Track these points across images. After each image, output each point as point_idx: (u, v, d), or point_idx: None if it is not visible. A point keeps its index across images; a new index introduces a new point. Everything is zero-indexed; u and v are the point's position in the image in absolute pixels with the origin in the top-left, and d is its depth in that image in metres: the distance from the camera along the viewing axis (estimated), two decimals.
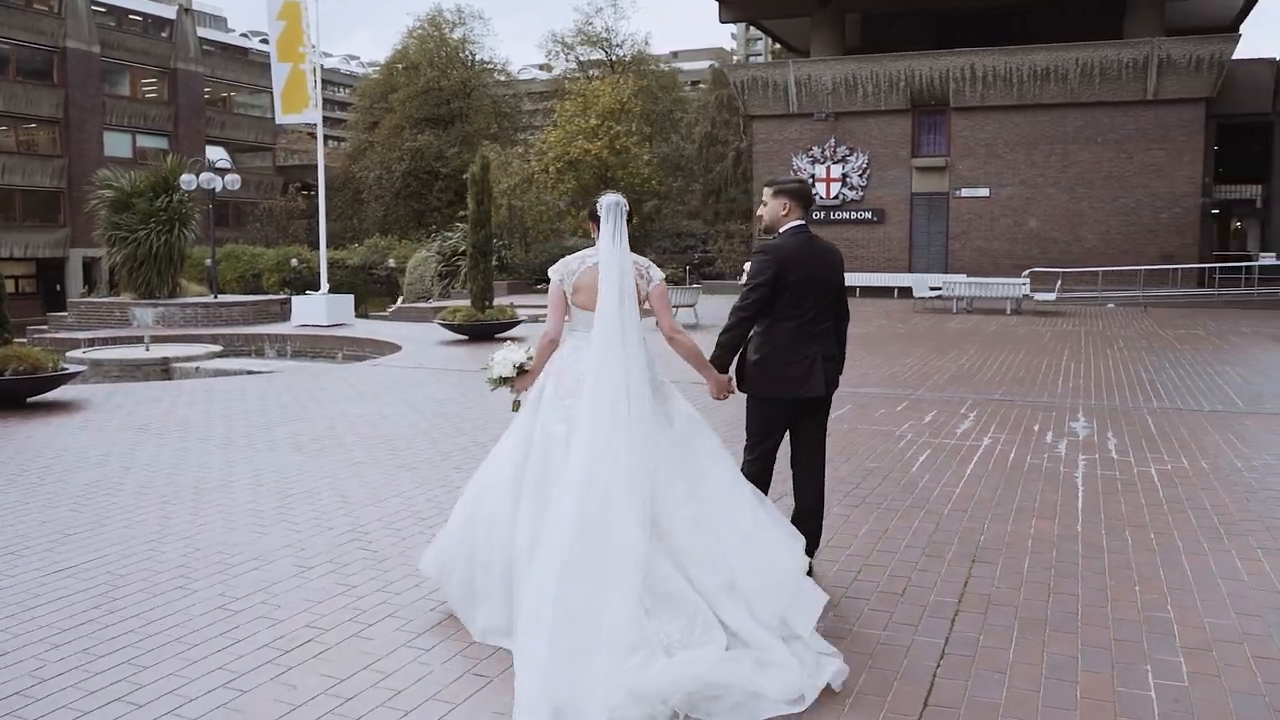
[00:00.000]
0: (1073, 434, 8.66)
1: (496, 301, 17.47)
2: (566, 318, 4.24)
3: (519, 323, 17.26)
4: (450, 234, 34.10)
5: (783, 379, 4.48)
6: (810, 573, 4.35)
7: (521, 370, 4.28)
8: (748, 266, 4.66)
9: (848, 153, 32.18)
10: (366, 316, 25.81)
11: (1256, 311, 23.51)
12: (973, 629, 4.25)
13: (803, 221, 4.56)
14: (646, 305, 4.20)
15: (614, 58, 49.77)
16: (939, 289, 25.46)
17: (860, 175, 32.11)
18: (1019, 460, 7.56)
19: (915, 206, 32.00)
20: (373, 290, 37.35)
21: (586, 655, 3.46)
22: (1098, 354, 14.73)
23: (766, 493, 4.57)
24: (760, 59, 71.08)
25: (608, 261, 4.04)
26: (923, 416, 9.49)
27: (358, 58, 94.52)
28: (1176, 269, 28.37)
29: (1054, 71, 29.50)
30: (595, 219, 4.18)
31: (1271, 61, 29.76)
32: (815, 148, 32.42)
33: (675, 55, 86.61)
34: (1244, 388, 11.44)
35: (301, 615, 4.31)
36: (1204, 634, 4.20)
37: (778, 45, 48.13)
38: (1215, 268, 28.46)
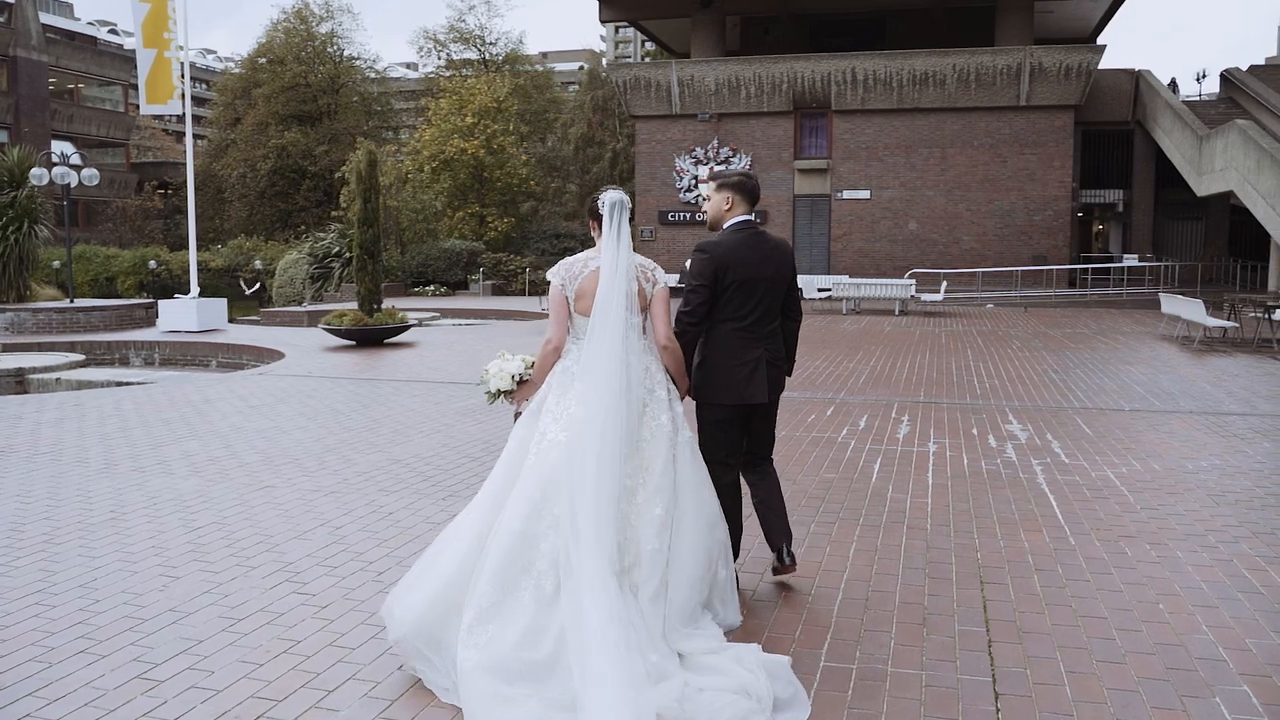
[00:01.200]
0: (1013, 437, 8.45)
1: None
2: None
3: (409, 327, 16.38)
4: (323, 235, 32.64)
5: (725, 385, 4.24)
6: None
7: (520, 381, 4.03)
8: (688, 265, 4.35)
9: (731, 154, 32.12)
10: (235, 321, 24.33)
11: (1128, 310, 24.30)
12: (1015, 662, 3.82)
13: (748, 217, 4.32)
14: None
15: (488, 56, 48.71)
16: (828, 290, 25.59)
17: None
18: (974, 466, 7.28)
19: (798, 208, 32.15)
20: (239, 293, 35.49)
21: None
22: (1000, 354, 14.79)
23: (739, 507, 4.49)
24: (630, 61, 71.02)
25: (610, 264, 3.78)
26: (856, 421, 9.17)
27: (215, 52, 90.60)
28: (1050, 270, 29.23)
29: (932, 77, 30.04)
30: (596, 217, 3.92)
31: (1132, 72, 31.00)
32: (698, 148, 32.26)
33: (545, 56, 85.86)
34: (1153, 386, 11.54)
35: (243, 684, 3.56)
36: (1253, 657, 3.89)
37: (651, 47, 48.07)
38: (1086, 269, 29.41)
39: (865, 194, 31.39)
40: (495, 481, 3.77)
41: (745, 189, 4.35)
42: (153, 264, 41.78)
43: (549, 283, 3.96)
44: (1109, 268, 29.33)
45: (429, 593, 3.58)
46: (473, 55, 48.46)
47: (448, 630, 3.51)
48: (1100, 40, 36.53)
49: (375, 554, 5.04)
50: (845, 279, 24.90)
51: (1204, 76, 39.54)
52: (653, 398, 3.87)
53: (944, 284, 24.46)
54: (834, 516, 5.85)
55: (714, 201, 4.36)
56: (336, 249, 32.12)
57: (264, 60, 49.81)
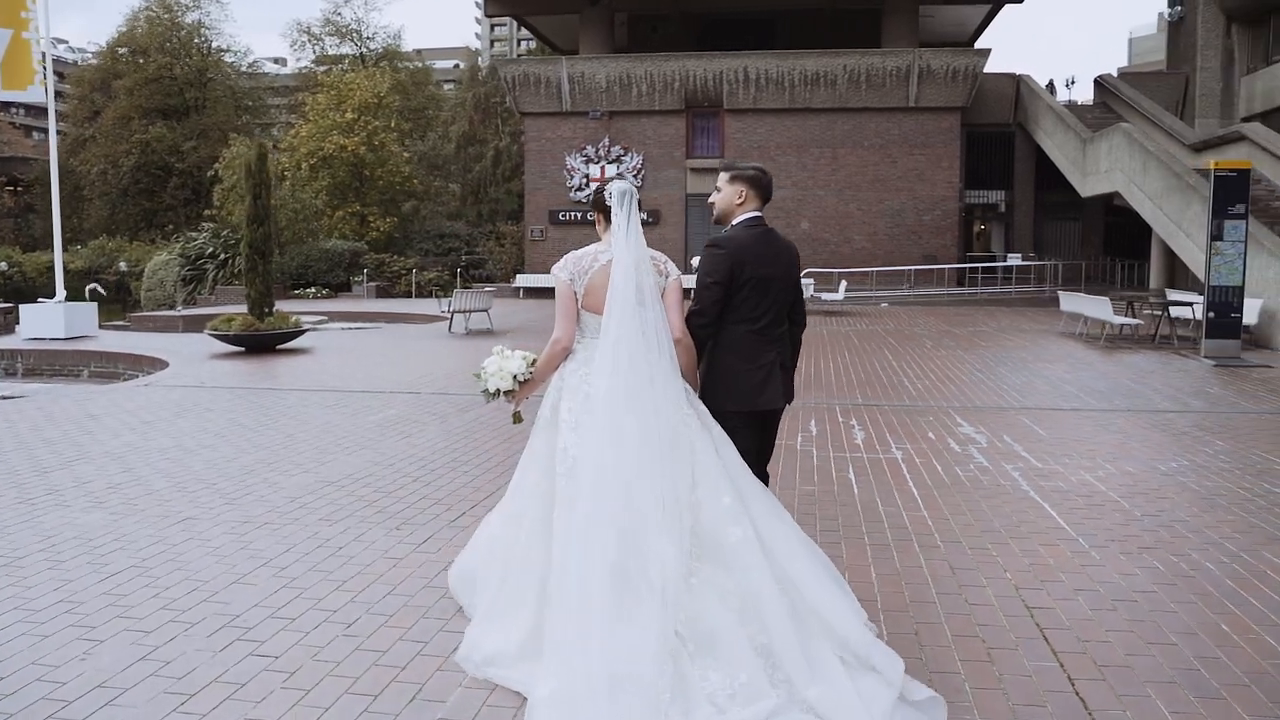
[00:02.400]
0: (971, 440, 8.16)
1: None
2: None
3: (303, 331, 15.33)
4: (195, 235, 30.84)
5: (736, 390, 3.96)
6: None
7: (521, 381, 3.80)
8: (695, 262, 4.00)
9: (622, 153, 31.62)
10: (105, 327, 22.62)
11: (1019, 308, 24.76)
12: (1108, 703, 3.40)
13: (759, 214, 4.10)
14: None
15: (364, 51, 47.06)
16: None
17: (635, 176, 31.60)
18: (951, 474, 6.91)
19: (690, 208, 31.86)
20: (101, 296, 33.21)
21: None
22: (917, 354, 14.66)
23: None
24: (520, 57, 69.74)
25: (622, 257, 3.58)
26: (807, 427, 8.77)
27: (66, 42, 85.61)
28: (940, 269, 29.67)
29: (823, 77, 30.14)
30: (603, 209, 3.74)
31: (1013, 76, 31.72)
32: (589, 146, 31.66)
33: (419, 53, 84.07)
34: (1081, 384, 11.51)
35: None
36: None
37: (530, 45, 47.24)
38: (975, 268, 29.96)
39: None
40: (540, 499, 3.60)
41: (761, 184, 4.12)
42: (3, 265, 38.93)
43: (558, 278, 3.70)
44: (996, 267, 29.94)
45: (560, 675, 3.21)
46: (349, 50, 46.71)
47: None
48: (983, 46, 37.34)
49: (336, 599, 4.31)
50: None
51: (1073, 83, 40.90)
52: (686, 393, 3.72)
53: (844, 283, 24.47)
54: (835, 535, 5.36)
55: (725, 194, 4.10)
56: (210, 249, 30.36)
57: (125, 51, 47.01)
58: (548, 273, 25.41)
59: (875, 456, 7.46)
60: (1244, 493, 6.42)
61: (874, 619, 4.13)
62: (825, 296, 23.92)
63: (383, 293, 31.45)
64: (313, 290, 30.30)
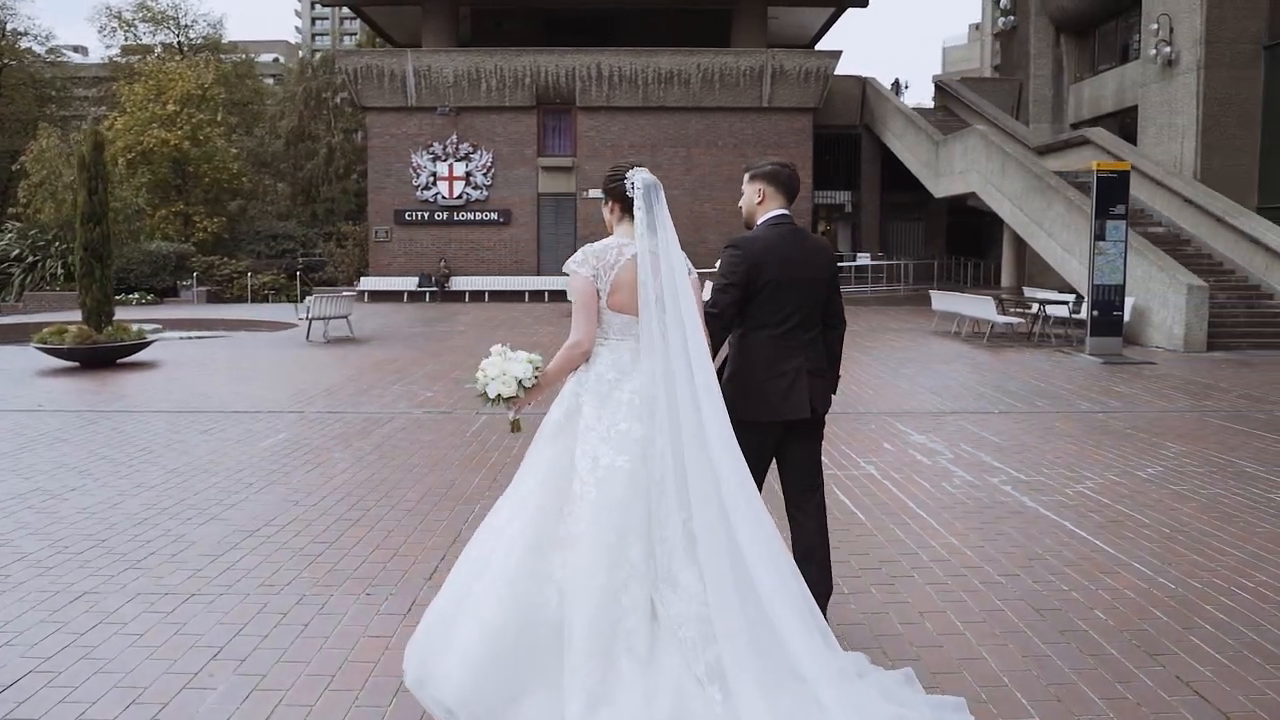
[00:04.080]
0: (933, 451, 7.71)
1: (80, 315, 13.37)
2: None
3: (149, 343, 13.68)
4: None
5: (760, 399, 3.74)
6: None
7: (526, 387, 3.37)
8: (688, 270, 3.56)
9: (471, 150, 30.38)
10: None
11: (878, 307, 24.98)
12: None
13: (784, 211, 3.91)
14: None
15: (182, 39, 43.88)
16: None
17: (485, 174, 30.46)
18: (944, 492, 6.40)
19: (542, 207, 30.96)
20: None
21: None
22: None
23: None
24: (363, 48, 67.06)
25: (647, 253, 3.31)
26: None
27: None
28: None
29: (677, 76, 29.79)
30: (621, 199, 3.43)
31: (859, 79, 32.24)
32: (436, 144, 30.26)
33: (236, 46, 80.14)
34: (996, 386, 11.39)
35: None
36: None
37: (355, 40, 45.18)
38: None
39: None
40: (538, 511, 3.18)
41: (779, 179, 3.95)
42: None
43: (577, 274, 3.32)
44: (849, 266, 30.32)
45: (475, 653, 3.02)
46: (166, 38, 43.40)
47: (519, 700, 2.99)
48: (823, 47, 37.91)
49: (332, 706, 3.31)
50: None
51: (906, 87, 42.11)
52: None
53: (709, 284, 24.05)
54: (875, 571, 4.69)
55: (746, 195, 3.96)
56: (16, 251, 27.42)
57: None
58: (395, 275, 24.21)
59: (851, 473, 6.87)
60: (1241, 499, 6.14)
61: (955, 673, 3.46)
62: None
63: (214, 298, 29.22)
64: (136, 296, 27.78)
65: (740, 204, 4.01)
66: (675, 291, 3.25)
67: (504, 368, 3.33)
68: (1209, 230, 18.52)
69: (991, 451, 7.70)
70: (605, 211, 3.51)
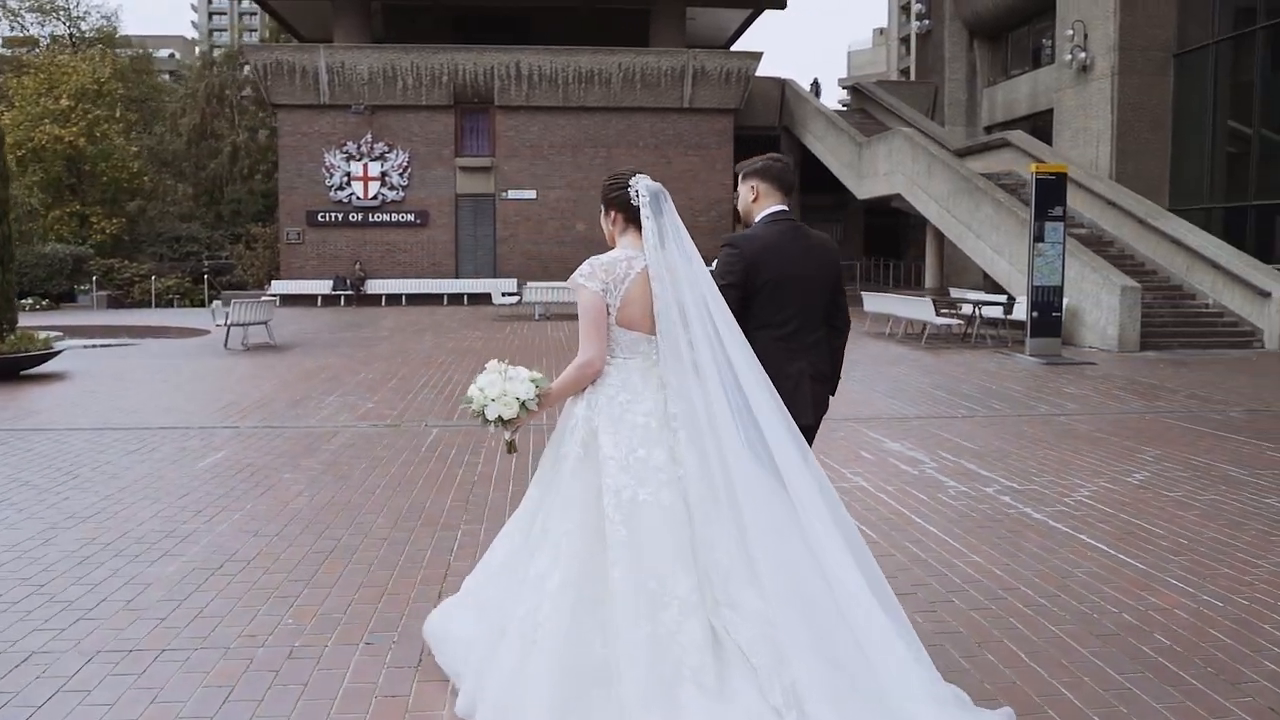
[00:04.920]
0: (915, 460, 7.49)
1: None
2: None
3: (55, 354, 12.75)
4: None
5: None
6: None
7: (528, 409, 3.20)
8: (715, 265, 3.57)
9: (386, 150, 29.50)
10: None
11: None
12: None
13: (783, 207, 3.71)
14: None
15: (74, 31, 41.85)
16: (515, 295, 24.18)
17: (401, 174, 29.62)
18: (946, 504, 6.15)
19: (461, 208, 30.25)
20: None
21: None
22: None
23: None
24: (272, 43, 64.99)
25: (662, 266, 3.14)
26: None
27: None
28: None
29: (598, 75, 29.40)
30: (625, 209, 3.24)
31: (778, 80, 32.28)
32: (350, 143, 29.31)
33: (130, 40, 77.46)
34: (949, 389, 11.29)
35: None
36: None
37: (256, 37, 43.72)
38: None
39: (531, 194, 30.14)
40: (578, 561, 2.97)
41: (771, 174, 3.72)
42: None
43: (585, 288, 3.15)
44: None
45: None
46: (56, 29, 41.34)
47: None
48: (737, 48, 37.92)
49: None
50: (537, 284, 23.52)
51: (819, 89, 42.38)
52: None
53: None
54: (911, 595, 4.38)
55: (740, 195, 3.78)
56: None
57: None
58: (308, 278, 23.29)
59: (842, 485, 6.57)
60: (1237, 506, 6.02)
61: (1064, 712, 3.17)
62: None
63: (115, 303, 27.83)
64: (30, 301, 26.26)
65: (737, 205, 3.84)
66: (701, 301, 3.10)
67: (505, 387, 3.14)
68: (1131, 232, 18.86)
69: (973, 459, 7.50)
70: (605, 222, 3.33)
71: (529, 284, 23.91)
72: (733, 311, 3.34)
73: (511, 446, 3.22)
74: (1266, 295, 15.50)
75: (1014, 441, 8.22)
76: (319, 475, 6.92)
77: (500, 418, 3.11)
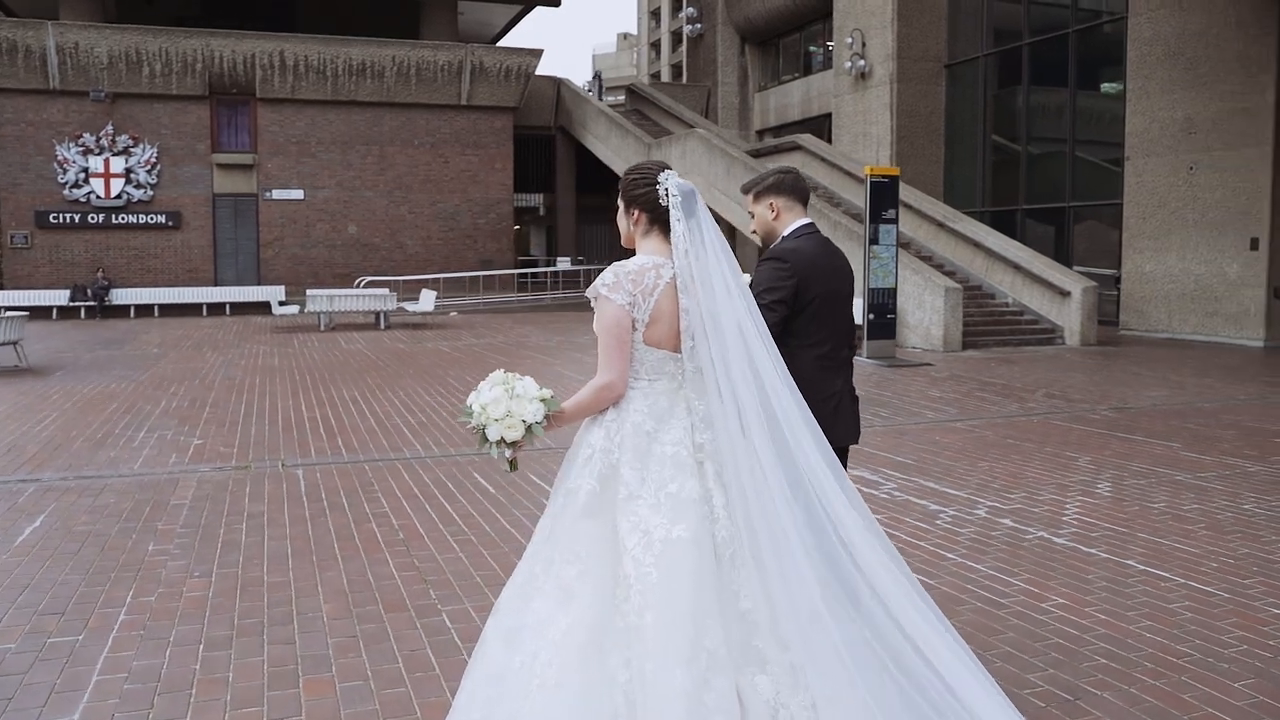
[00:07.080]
0: (874, 481, 6.95)
1: None
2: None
3: None
4: None
5: None
6: None
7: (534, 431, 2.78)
8: (745, 279, 3.15)
9: (131, 143, 26.50)
10: None
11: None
12: None
13: (809, 220, 3.52)
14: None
15: None
16: (290, 305, 22.19)
17: (149, 171, 26.68)
18: (939, 529, 5.61)
19: (219, 209, 27.65)
20: None
21: None
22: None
23: None
24: None
25: (692, 276, 2.72)
26: None
27: None
28: (496, 275, 28.67)
29: (370, 68, 27.61)
30: (649, 210, 2.82)
31: (554, 79, 31.61)
32: (88, 135, 26.11)
33: None
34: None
35: None
36: None
37: None
38: (525, 273, 29.43)
39: (299, 194, 27.98)
40: (588, 603, 2.62)
41: (787, 187, 3.50)
42: None
43: (610, 300, 2.74)
44: (545, 272, 29.69)
45: None
46: None
47: None
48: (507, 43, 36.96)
49: None
50: (321, 291, 21.65)
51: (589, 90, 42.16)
52: None
53: (434, 293, 22.34)
54: (981, 636, 3.74)
55: (758, 216, 3.54)
56: None
57: None
58: (39, 288, 20.63)
59: None
60: (1239, 516, 5.85)
61: None
62: (410, 308, 21.72)
63: None
64: None
65: (753, 227, 3.58)
66: (736, 318, 2.71)
67: (510, 408, 2.75)
68: (928, 234, 19.47)
69: (921, 475, 7.06)
70: (625, 221, 2.90)
71: (310, 292, 21.96)
72: (774, 331, 2.99)
73: (513, 465, 2.83)
74: (1067, 295, 16.31)
75: (942, 453, 7.89)
76: (193, 544, 5.50)
77: (503, 439, 2.73)
